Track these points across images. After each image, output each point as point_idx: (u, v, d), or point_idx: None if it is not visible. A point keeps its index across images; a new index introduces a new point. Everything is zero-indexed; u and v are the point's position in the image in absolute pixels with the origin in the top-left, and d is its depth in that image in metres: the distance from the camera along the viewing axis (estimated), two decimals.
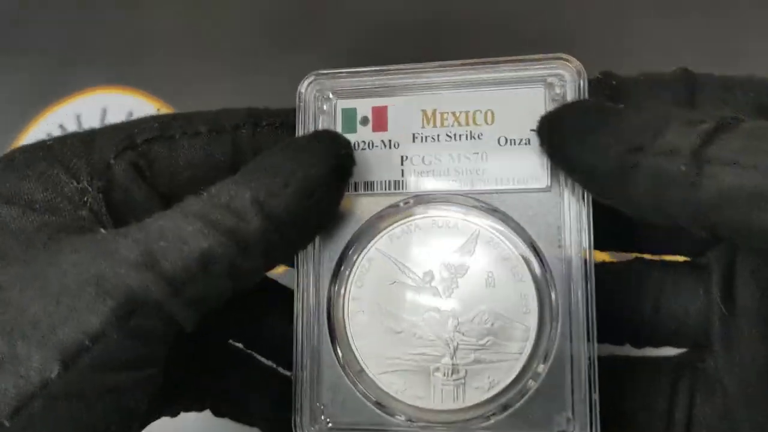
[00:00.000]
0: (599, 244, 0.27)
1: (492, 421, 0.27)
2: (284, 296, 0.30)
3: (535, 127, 0.27)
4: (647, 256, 0.29)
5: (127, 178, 0.27)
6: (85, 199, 0.26)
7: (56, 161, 0.26)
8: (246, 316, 0.30)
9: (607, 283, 0.27)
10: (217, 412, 0.30)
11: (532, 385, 0.26)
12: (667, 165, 0.22)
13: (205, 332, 0.28)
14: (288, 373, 0.29)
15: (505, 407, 0.27)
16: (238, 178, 0.25)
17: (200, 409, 0.30)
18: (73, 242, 0.24)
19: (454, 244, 0.27)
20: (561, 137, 0.25)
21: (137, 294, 0.22)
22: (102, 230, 0.25)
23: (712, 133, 0.22)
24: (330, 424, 0.28)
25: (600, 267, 0.28)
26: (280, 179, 0.25)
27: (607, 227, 0.27)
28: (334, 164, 0.26)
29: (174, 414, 0.29)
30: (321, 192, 0.25)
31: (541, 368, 0.26)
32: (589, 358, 0.26)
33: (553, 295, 0.27)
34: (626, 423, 0.27)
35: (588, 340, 0.26)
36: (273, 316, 0.30)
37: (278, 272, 0.29)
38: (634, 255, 0.29)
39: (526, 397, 0.26)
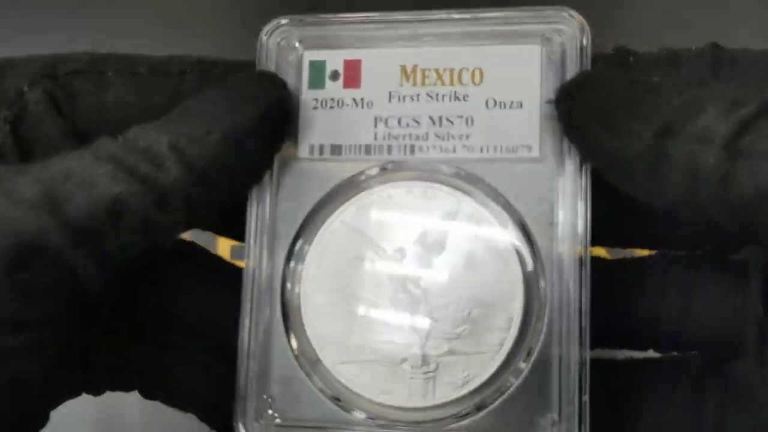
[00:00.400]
0: (600, 236, 0.23)
1: (466, 421, 0.23)
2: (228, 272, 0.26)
3: (549, 98, 0.24)
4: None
5: (42, 110, 0.24)
6: None
7: None
8: (174, 287, 0.26)
9: (626, 280, 0.24)
10: (147, 394, 0.26)
11: (513, 382, 0.23)
12: (698, 154, 0.19)
13: (129, 299, 0.25)
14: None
15: (480, 406, 0.23)
16: (160, 123, 0.23)
17: (127, 388, 0.26)
18: None
19: (431, 218, 0.24)
20: (582, 114, 0.22)
21: (33, 239, 0.19)
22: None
23: (752, 120, 0.19)
24: (278, 420, 0.24)
25: (617, 263, 0.24)
26: (203, 126, 0.22)
27: (611, 216, 0.23)
28: (265, 110, 0.23)
29: (96, 392, 0.26)
30: (249, 142, 0.23)
31: (524, 363, 0.23)
32: (580, 355, 0.22)
33: (541, 282, 0.23)
34: None
35: (579, 334, 0.23)
36: (209, 292, 0.26)
37: None
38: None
39: (506, 395, 0.23)
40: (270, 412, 0.24)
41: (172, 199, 0.22)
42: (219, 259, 0.27)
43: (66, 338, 0.22)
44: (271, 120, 0.24)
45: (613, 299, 0.23)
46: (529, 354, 0.23)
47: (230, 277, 0.25)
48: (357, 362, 0.24)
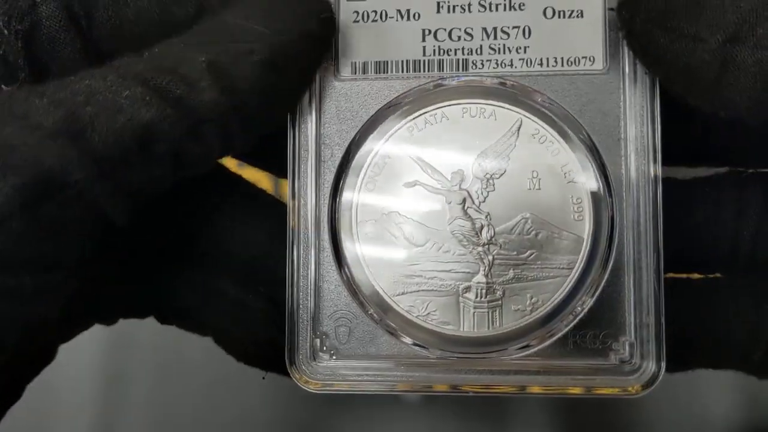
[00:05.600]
0: (667, 153, 0.22)
1: (535, 349, 0.22)
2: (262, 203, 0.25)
3: (612, 5, 0.22)
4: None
5: (56, 25, 0.21)
6: None
7: None
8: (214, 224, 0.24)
9: (701, 199, 0.23)
10: (163, 320, 0.25)
11: (585, 305, 0.22)
12: None
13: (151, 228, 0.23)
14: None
15: (551, 333, 0.22)
16: (190, 38, 0.20)
17: (143, 315, 0.25)
18: None
19: (491, 137, 0.22)
20: (645, 20, 0.21)
21: (53, 172, 0.18)
22: (6, 87, 0.20)
23: None
24: (334, 358, 0.22)
25: (689, 181, 0.23)
26: (244, 44, 0.20)
27: (679, 132, 0.22)
28: (311, 30, 0.21)
29: (110, 322, 0.24)
30: (293, 64, 0.21)
31: (596, 286, 0.22)
32: (657, 273, 0.22)
33: (610, 201, 0.22)
34: (710, 349, 0.23)
35: (654, 253, 0.22)
36: (246, 225, 0.24)
37: None
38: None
39: (577, 320, 0.22)
40: (325, 349, 0.22)
41: (208, 125, 0.20)
42: (255, 188, 0.25)
43: (86, 275, 0.21)
44: (317, 42, 0.22)
45: (687, 219, 0.22)
46: (601, 274, 0.22)
47: (266, 206, 0.24)
48: (417, 293, 0.22)
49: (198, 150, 0.20)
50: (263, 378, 0.24)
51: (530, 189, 0.22)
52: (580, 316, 0.22)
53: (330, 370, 0.22)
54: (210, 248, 0.24)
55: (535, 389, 0.22)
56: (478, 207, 0.22)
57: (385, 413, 0.38)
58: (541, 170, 0.22)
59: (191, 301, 0.24)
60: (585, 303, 0.22)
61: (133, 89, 0.19)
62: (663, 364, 0.21)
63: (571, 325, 0.22)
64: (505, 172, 0.22)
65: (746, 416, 0.37)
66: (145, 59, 0.20)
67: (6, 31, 0.20)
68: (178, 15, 0.22)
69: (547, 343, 0.22)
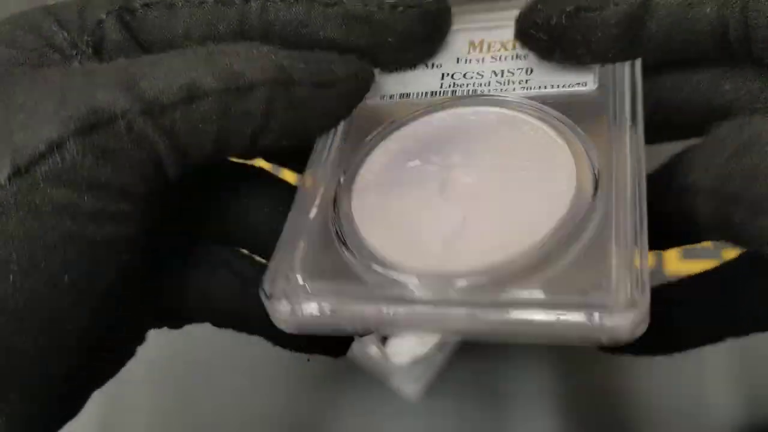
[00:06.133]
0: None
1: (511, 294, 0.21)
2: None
3: None
4: None
5: (120, 37, 0.25)
6: (75, 52, 0.24)
7: (50, 15, 0.24)
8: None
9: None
10: (218, 324, 0.26)
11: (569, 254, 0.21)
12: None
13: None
14: None
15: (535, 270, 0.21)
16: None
17: (201, 321, 0.26)
18: (52, 70, 0.22)
19: (486, 129, 0.25)
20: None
21: (101, 106, 0.20)
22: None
23: None
24: (308, 288, 0.22)
25: None
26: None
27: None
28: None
29: (176, 326, 0.27)
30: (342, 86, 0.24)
31: (573, 235, 0.21)
32: (635, 226, 0.21)
33: (592, 160, 0.23)
34: None
35: (636, 206, 0.21)
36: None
37: None
38: None
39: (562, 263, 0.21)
40: (298, 277, 0.22)
41: (256, 94, 0.21)
42: (276, 177, 0.27)
43: (147, 245, 0.22)
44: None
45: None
46: (580, 224, 0.21)
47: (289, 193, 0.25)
48: (398, 242, 0.23)
49: (242, 120, 0.21)
50: (308, 360, 0.24)
51: (515, 170, 0.24)
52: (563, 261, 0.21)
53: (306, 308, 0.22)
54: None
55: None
56: (462, 180, 0.24)
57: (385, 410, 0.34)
58: (531, 157, 0.24)
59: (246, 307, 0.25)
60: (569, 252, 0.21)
61: (189, 59, 0.21)
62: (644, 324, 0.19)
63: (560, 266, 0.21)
64: (494, 156, 0.24)
65: (746, 413, 0.31)
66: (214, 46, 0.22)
67: (80, 43, 0.24)
68: (221, 30, 0.25)
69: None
